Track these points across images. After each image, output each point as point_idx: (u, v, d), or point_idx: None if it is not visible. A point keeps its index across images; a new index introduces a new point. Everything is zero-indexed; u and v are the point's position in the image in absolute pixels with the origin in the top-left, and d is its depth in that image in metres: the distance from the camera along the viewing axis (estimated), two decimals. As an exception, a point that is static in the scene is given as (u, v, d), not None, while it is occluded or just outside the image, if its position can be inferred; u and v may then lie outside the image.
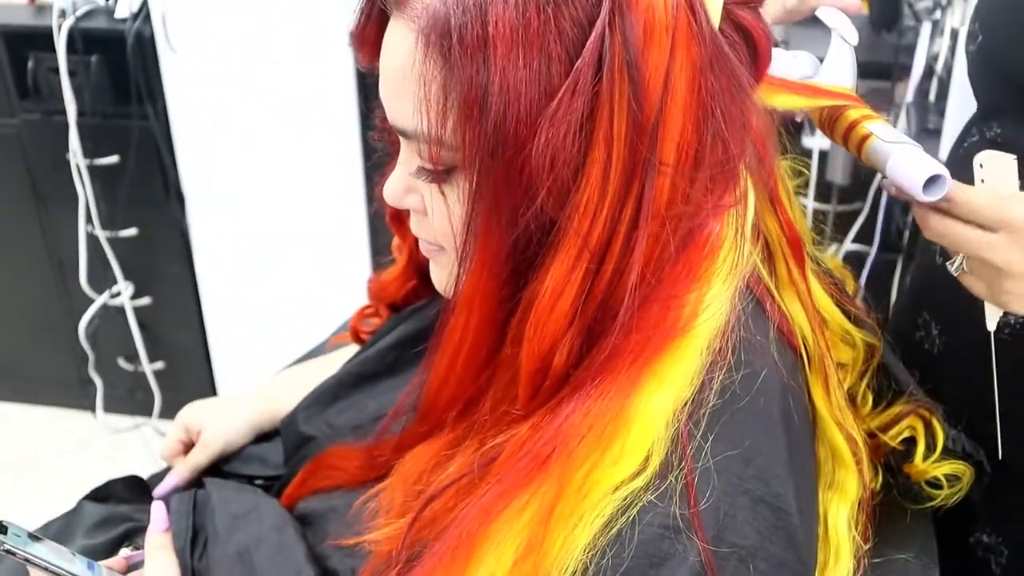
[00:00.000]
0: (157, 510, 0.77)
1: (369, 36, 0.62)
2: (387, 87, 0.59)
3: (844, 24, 0.82)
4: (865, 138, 0.73)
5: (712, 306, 0.58)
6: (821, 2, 0.88)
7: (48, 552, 0.70)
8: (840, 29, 0.81)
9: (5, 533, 0.67)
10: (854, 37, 0.81)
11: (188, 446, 0.98)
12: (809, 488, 0.64)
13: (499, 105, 0.52)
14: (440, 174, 0.58)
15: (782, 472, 0.57)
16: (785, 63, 0.78)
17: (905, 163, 0.69)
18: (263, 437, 0.98)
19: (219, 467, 0.96)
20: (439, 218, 0.61)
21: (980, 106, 0.87)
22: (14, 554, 0.67)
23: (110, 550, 0.83)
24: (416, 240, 0.84)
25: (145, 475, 1.04)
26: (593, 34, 0.52)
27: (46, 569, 0.69)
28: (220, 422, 0.96)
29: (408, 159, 0.62)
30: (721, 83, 0.57)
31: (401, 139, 0.62)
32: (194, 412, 0.98)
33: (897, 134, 0.73)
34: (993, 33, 0.82)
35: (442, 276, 0.67)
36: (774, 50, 0.79)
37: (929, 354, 0.90)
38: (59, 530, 0.88)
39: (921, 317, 0.92)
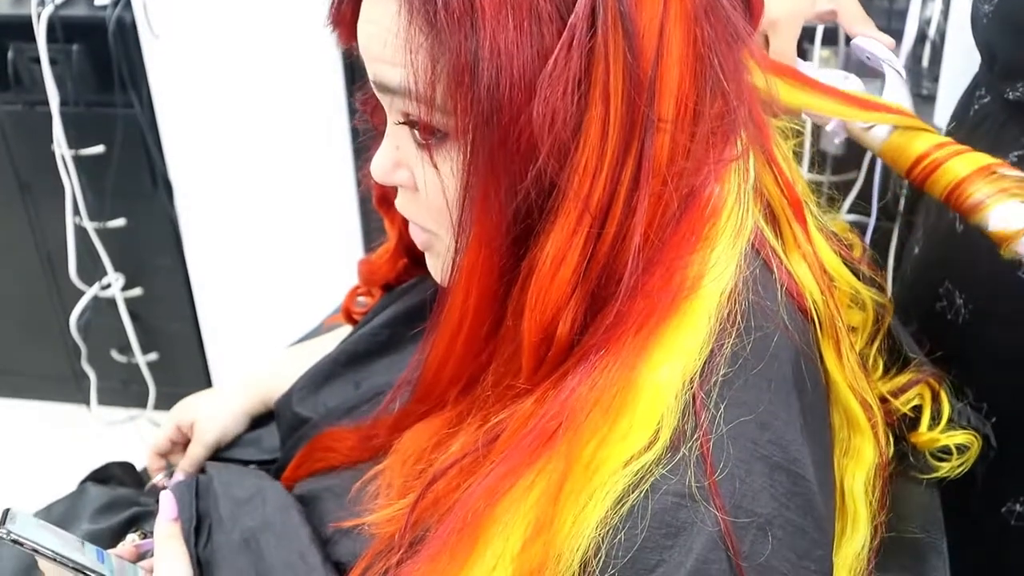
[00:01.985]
0: (166, 499, 0.76)
1: (345, 15, 0.61)
2: (372, 55, 0.57)
3: (889, 55, 0.82)
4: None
5: (718, 267, 0.56)
6: (850, 21, 0.87)
7: (56, 541, 0.67)
8: (890, 61, 0.82)
9: (13, 522, 0.65)
10: (901, 67, 0.81)
11: (183, 445, 0.97)
12: (825, 454, 0.62)
13: (491, 70, 0.50)
14: (428, 131, 0.56)
15: (798, 437, 0.56)
16: (835, 85, 0.78)
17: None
18: (257, 423, 0.97)
19: (217, 455, 0.95)
20: (433, 192, 0.58)
21: (998, 67, 0.85)
22: (21, 544, 0.65)
23: (117, 534, 0.81)
24: (405, 220, 0.82)
25: (141, 466, 1.03)
26: None
27: (54, 560, 0.67)
28: (212, 413, 0.95)
29: (394, 117, 0.59)
30: (717, 32, 0.55)
31: (386, 99, 0.59)
32: (184, 408, 0.97)
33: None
34: None
35: (438, 265, 0.64)
36: (824, 70, 0.79)
37: (953, 324, 0.88)
38: (64, 513, 0.87)
39: (942, 287, 0.90)
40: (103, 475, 0.92)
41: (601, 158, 0.52)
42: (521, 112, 0.51)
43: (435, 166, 0.57)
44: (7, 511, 0.66)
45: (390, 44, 0.54)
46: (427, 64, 0.53)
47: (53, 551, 0.67)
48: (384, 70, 0.56)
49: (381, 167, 0.62)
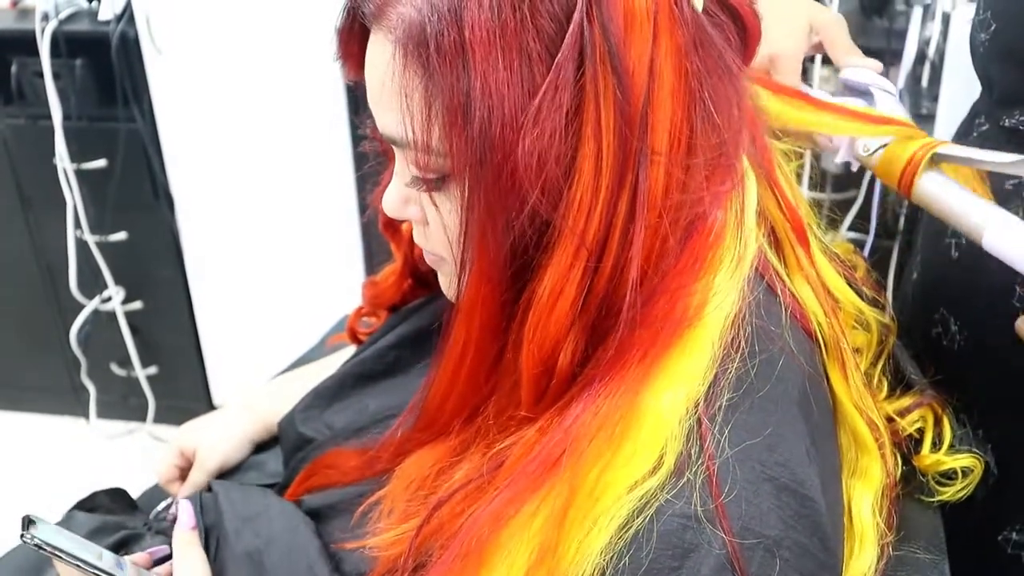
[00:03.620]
0: (184, 508, 0.76)
1: (352, 50, 0.62)
2: (373, 100, 0.59)
3: (878, 79, 0.84)
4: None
5: (720, 294, 0.56)
6: (837, 52, 0.88)
7: (76, 547, 0.68)
8: (879, 84, 0.83)
9: (34, 526, 0.66)
10: (894, 88, 0.82)
11: (185, 470, 0.97)
12: (833, 475, 0.62)
13: (482, 110, 0.52)
14: (431, 183, 0.57)
15: (805, 459, 0.56)
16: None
17: (1014, 241, 0.69)
18: (261, 447, 0.97)
19: (219, 479, 0.95)
20: (435, 229, 0.60)
21: (996, 94, 0.86)
22: (43, 548, 0.65)
23: None
24: (410, 241, 0.83)
25: (141, 480, 1.02)
26: (571, 27, 0.52)
27: (77, 565, 0.67)
28: (215, 440, 0.95)
29: (402, 170, 0.61)
30: (708, 66, 0.56)
31: (395, 149, 0.61)
32: (187, 434, 0.97)
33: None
34: (1009, 20, 0.81)
35: (448, 284, 0.66)
36: (824, 94, 0.80)
37: (949, 351, 0.88)
38: None
39: (937, 313, 0.90)
40: (90, 504, 0.91)
41: (596, 193, 0.53)
42: (512, 151, 0.52)
43: (435, 206, 0.58)
44: (27, 517, 0.66)
45: (387, 87, 0.55)
46: (422, 107, 0.54)
47: (74, 555, 0.67)
48: (383, 116, 0.57)
49: (392, 203, 0.63)
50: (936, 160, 0.75)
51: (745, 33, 0.62)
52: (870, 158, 0.79)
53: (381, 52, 0.55)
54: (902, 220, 1.63)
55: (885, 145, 0.78)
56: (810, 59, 1.60)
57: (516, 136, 0.52)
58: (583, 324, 0.55)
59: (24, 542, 0.65)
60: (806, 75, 1.64)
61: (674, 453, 0.53)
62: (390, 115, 0.56)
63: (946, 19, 1.53)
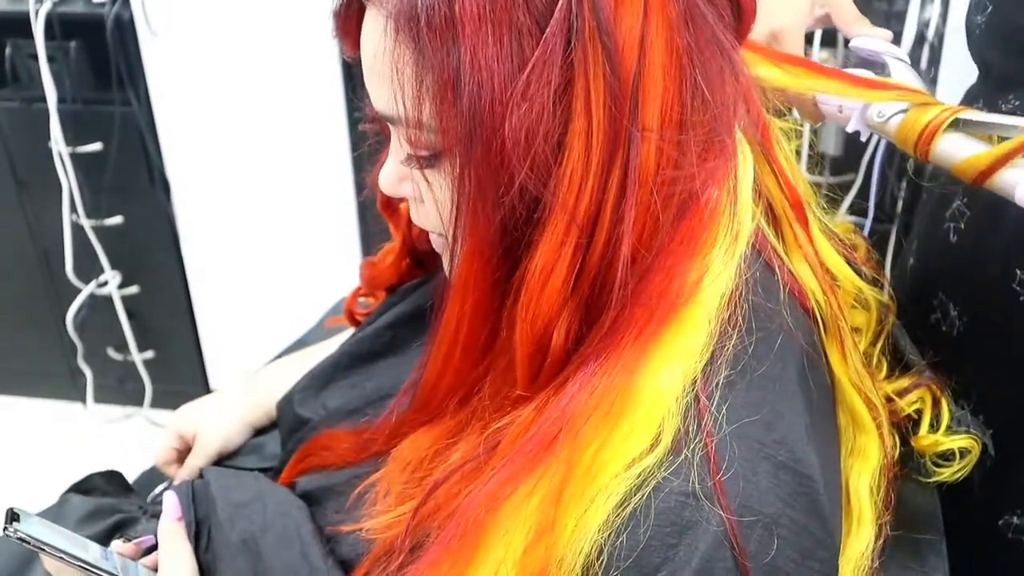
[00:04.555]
0: (169, 499, 0.76)
1: (351, 27, 0.62)
2: (367, 75, 0.59)
3: (890, 46, 0.82)
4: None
5: (714, 270, 0.56)
6: (845, 22, 0.87)
7: (61, 539, 0.68)
8: (891, 52, 0.81)
9: (18, 520, 0.66)
10: (905, 55, 0.81)
11: (183, 452, 0.97)
12: (831, 454, 0.62)
13: (472, 85, 0.51)
14: (424, 160, 0.57)
15: (803, 436, 0.56)
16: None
17: None
18: (260, 430, 0.97)
19: (218, 464, 0.94)
20: (429, 206, 0.60)
21: (993, 77, 0.85)
22: (27, 542, 0.65)
23: (102, 541, 0.81)
24: (408, 220, 0.83)
25: (138, 465, 1.02)
26: (560, 2, 0.51)
27: (60, 558, 0.67)
28: (215, 425, 0.95)
29: (396, 148, 0.61)
30: (700, 42, 0.55)
31: (390, 127, 0.61)
32: (186, 416, 0.97)
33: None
34: (1006, 1, 0.80)
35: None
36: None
37: (948, 336, 0.88)
38: None
39: (936, 298, 0.90)
40: (85, 486, 0.91)
41: (586, 169, 0.53)
42: (501, 125, 0.52)
43: (428, 183, 0.58)
44: (11, 511, 0.66)
45: (379, 62, 0.55)
46: (413, 82, 0.54)
47: (59, 549, 0.67)
48: (376, 92, 0.57)
49: (388, 181, 0.63)
50: (956, 126, 0.74)
51: (739, 10, 0.61)
52: (885, 124, 0.77)
53: (374, 27, 0.55)
54: (900, 204, 1.63)
55: (902, 111, 0.76)
56: (807, 41, 1.60)
57: (505, 111, 0.52)
58: (576, 302, 0.55)
59: (7, 536, 0.65)
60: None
61: (671, 431, 0.52)
62: (383, 91, 0.56)
63: (945, 1, 1.52)
